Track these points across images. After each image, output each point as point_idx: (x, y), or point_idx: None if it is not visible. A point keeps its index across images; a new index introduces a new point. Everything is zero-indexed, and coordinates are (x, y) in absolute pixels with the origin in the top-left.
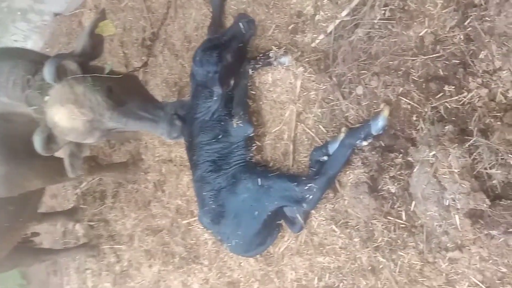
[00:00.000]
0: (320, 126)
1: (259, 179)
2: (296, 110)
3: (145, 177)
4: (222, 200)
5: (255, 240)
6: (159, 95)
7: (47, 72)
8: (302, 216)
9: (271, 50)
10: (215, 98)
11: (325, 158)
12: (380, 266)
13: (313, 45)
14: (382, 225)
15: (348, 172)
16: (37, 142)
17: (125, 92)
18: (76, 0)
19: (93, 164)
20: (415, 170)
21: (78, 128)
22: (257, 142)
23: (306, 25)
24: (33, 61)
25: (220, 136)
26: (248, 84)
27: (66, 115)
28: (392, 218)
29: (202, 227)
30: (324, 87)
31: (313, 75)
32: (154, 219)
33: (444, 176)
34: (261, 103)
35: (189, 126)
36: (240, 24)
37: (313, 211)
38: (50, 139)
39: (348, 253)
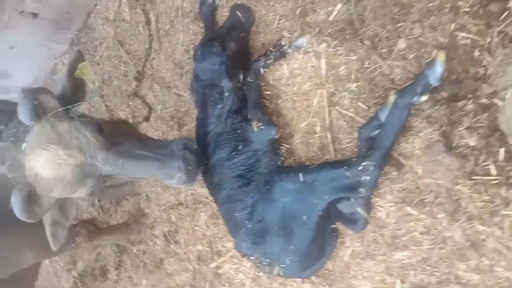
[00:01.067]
0: (359, 103)
1: (300, 175)
2: (327, 93)
3: (152, 233)
4: (260, 215)
5: (312, 251)
6: (154, 135)
7: (22, 111)
8: (363, 207)
9: (282, 38)
10: (226, 94)
11: (379, 131)
12: (482, 237)
13: (330, 18)
14: (469, 189)
15: (410, 139)
16: (16, 205)
17: (117, 133)
18: (44, 68)
19: (91, 229)
20: (507, 97)
21: (66, 176)
22: (284, 145)
23: (315, 3)
24: (1, 110)
25: (240, 147)
26: (261, 84)
27: (49, 160)
28: (479, 177)
29: (236, 265)
30: (355, 56)
31: (339, 48)
32: (171, 277)
33: None
34: (279, 101)
35: (201, 145)
36: (238, 12)
37: (376, 199)
38: (31, 199)
39: (433, 237)
